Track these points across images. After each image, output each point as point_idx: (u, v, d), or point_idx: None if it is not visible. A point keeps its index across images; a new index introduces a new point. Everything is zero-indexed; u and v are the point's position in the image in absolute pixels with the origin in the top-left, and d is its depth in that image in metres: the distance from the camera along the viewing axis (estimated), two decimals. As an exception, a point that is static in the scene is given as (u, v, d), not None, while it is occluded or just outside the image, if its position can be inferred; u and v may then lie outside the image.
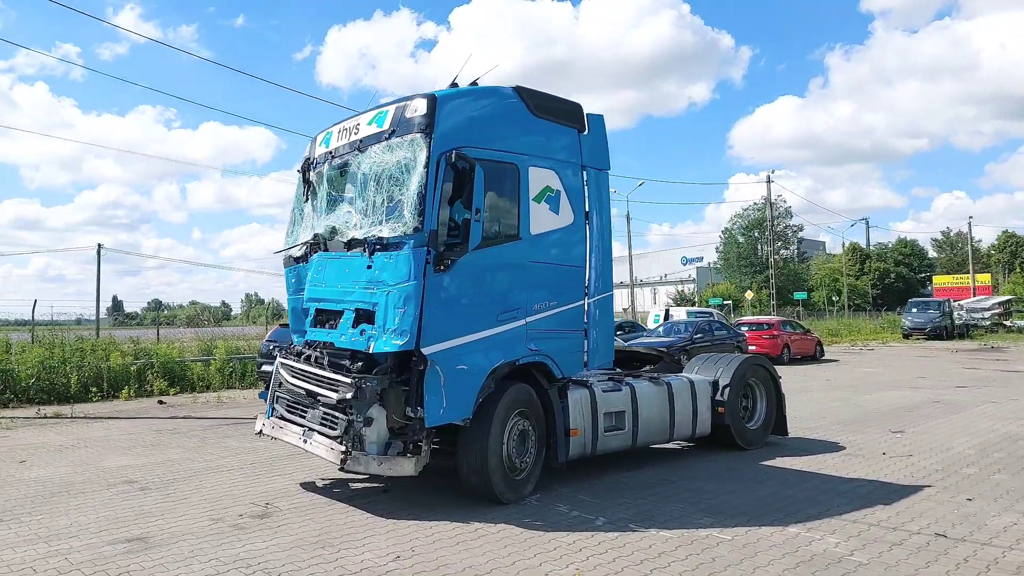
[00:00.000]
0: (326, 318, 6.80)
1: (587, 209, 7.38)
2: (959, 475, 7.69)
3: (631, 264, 51.33)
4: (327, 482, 7.41)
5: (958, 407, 13.06)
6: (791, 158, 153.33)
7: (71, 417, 12.03)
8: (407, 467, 6.13)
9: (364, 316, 6.27)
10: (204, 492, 7.05)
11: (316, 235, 6.97)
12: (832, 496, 6.87)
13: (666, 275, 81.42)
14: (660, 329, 24.11)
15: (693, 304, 59.19)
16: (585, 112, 7.53)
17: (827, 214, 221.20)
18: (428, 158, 6.09)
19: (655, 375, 8.46)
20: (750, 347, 24.45)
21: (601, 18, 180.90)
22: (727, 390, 8.85)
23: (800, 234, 73.17)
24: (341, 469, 6.13)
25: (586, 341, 7.33)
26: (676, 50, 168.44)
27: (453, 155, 6.12)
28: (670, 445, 9.39)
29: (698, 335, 22.02)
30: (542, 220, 6.93)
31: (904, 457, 8.66)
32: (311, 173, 7.40)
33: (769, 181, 43.45)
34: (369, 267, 6.25)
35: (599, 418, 7.36)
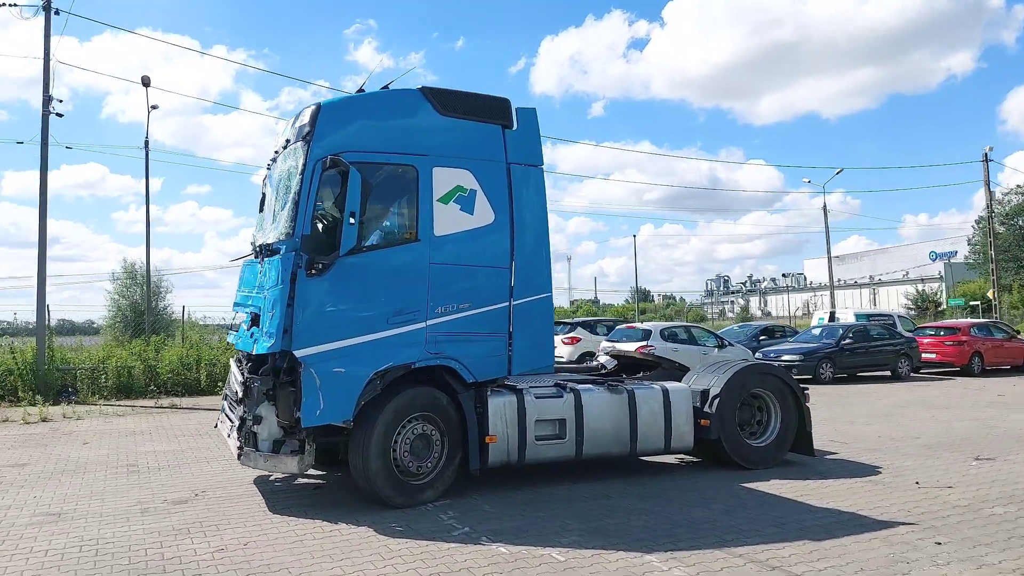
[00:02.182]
0: (241, 321, 7.26)
1: (511, 208, 7.10)
2: (977, 515, 6.29)
3: (830, 263, 46.94)
4: (280, 475, 7.84)
5: (1119, 433, 10.51)
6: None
7: (178, 408, 13.80)
8: (291, 465, 6.37)
9: (255, 319, 6.62)
10: (174, 478, 7.82)
11: (251, 242, 7.46)
12: (764, 526, 5.97)
13: (907, 273, 73.15)
14: (811, 333, 21.89)
15: (938, 306, 52.65)
16: (514, 107, 7.26)
17: None
18: (304, 164, 6.29)
19: (615, 382, 7.84)
20: (925, 356, 21.44)
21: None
22: (716, 401, 7.96)
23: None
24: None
25: (510, 345, 7.05)
26: (928, 18, 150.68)
27: (328, 160, 6.25)
28: (667, 459, 8.67)
29: (847, 341, 19.73)
30: (450, 221, 6.80)
31: (937, 488, 7.23)
32: (265, 181, 7.92)
33: (987, 160, 37.36)
34: (261, 272, 6.58)
35: (528, 425, 7.02)
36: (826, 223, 44.15)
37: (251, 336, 6.57)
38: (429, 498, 6.62)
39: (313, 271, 6.18)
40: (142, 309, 31.72)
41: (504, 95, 7.19)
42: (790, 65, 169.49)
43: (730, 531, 5.84)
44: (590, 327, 19.94)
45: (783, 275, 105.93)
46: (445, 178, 6.81)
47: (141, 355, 16.18)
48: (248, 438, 6.46)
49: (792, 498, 6.89)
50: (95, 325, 32.55)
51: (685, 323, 20.06)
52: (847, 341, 19.78)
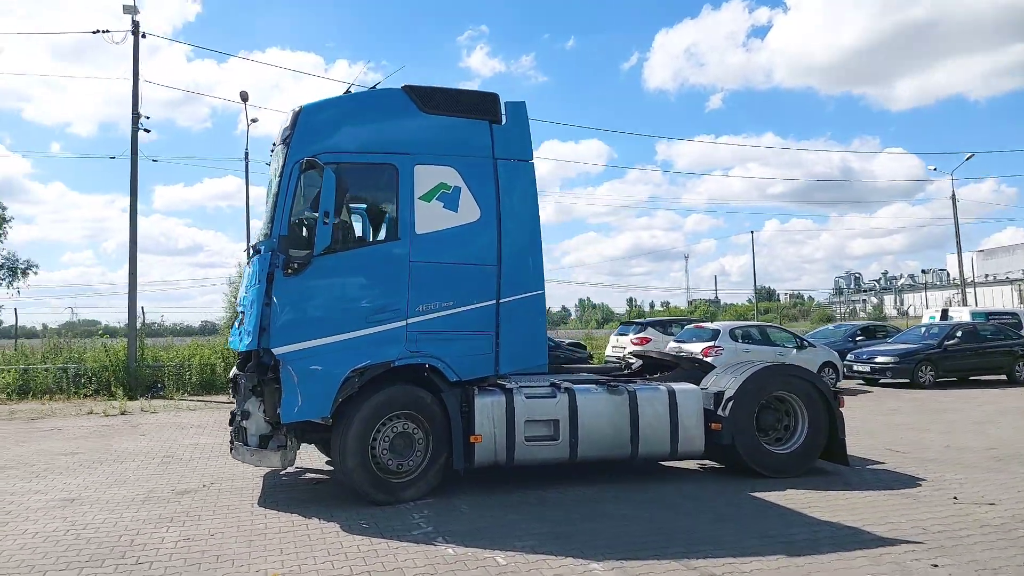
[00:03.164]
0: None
1: (498, 204, 6.97)
2: (1004, 536, 5.60)
3: (959, 256, 43.16)
4: (292, 471, 8.07)
5: None
6: None
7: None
8: (274, 460, 6.53)
9: (243, 318, 6.83)
10: (196, 469, 8.22)
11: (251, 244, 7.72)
12: (747, 538, 5.55)
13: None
14: (914, 333, 20.19)
15: (1099, 305, 47.71)
16: (503, 102, 7.13)
17: None
18: (283, 166, 6.45)
19: (616, 383, 7.51)
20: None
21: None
22: (730, 404, 7.48)
23: None
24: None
25: (497, 343, 6.92)
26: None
27: (304, 162, 6.37)
28: (688, 464, 8.24)
29: (952, 341, 18.05)
30: (433, 219, 6.76)
31: (975, 505, 6.49)
32: None
33: None
34: (248, 272, 6.80)
35: (517, 426, 6.86)
36: (955, 213, 40.68)
37: (239, 334, 6.80)
38: (411, 496, 6.60)
39: (289, 271, 6.31)
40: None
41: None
42: (928, 45, 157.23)
43: (705, 542, 5.46)
44: (663, 327, 19.28)
45: (923, 271, 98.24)
46: (428, 176, 6.77)
47: (223, 353, 17.15)
48: (238, 432, 6.69)
49: (797, 509, 6.37)
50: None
51: (759, 323, 18.82)
52: (952, 342, 18.11)
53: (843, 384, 17.73)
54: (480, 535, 5.64)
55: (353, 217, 7.12)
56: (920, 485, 7.29)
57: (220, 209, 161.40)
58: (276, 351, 6.32)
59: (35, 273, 36.22)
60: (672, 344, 16.67)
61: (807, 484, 7.26)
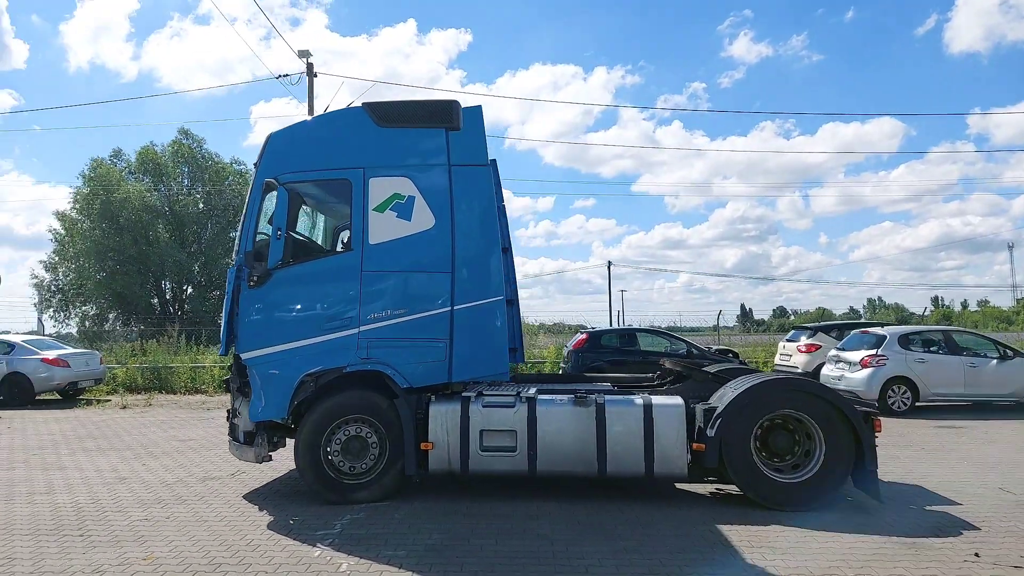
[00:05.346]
0: None
1: (452, 211, 6.94)
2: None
3: None
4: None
5: None
6: None
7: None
8: (249, 456, 7.18)
9: (231, 325, 7.56)
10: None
11: None
12: (624, 572, 4.96)
13: None
14: None
15: None
16: (461, 108, 7.08)
17: None
18: (252, 187, 7.11)
19: (584, 394, 6.94)
20: None
21: None
22: (718, 422, 6.59)
23: None
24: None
25: (450, 351, 6.88)
26: None
27: (265, 183, 6.95)
28: (699, 488, 7.39)
29: None
30: (386, 229, 6.93)
31: (996, 566, 5.10)
32: None
33: None
34: None
35: (472, 435, 6.77)
36: None
37: (227, 340, 7.59)
38: (363, 498, 6.82)
39: (251, 283, 6.92)
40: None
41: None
42: None
43: (581, 571, 4.99)
44: (839, 332, 16.91)
45: None
46: (382, 187, 6.97)
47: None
48: (231, 429, 7.47)
49: (740, 550, 5.47)
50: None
51: (947, 327, 15.34)
52: None
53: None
54: (368, 542, 5.69)
55: (311, 231, 7.55)
56: (959, 535, 5.81)
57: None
58: (242, 356, 6.97)
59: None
60: (832, 351, 14.73)
61: (807, 521, 6.15)
